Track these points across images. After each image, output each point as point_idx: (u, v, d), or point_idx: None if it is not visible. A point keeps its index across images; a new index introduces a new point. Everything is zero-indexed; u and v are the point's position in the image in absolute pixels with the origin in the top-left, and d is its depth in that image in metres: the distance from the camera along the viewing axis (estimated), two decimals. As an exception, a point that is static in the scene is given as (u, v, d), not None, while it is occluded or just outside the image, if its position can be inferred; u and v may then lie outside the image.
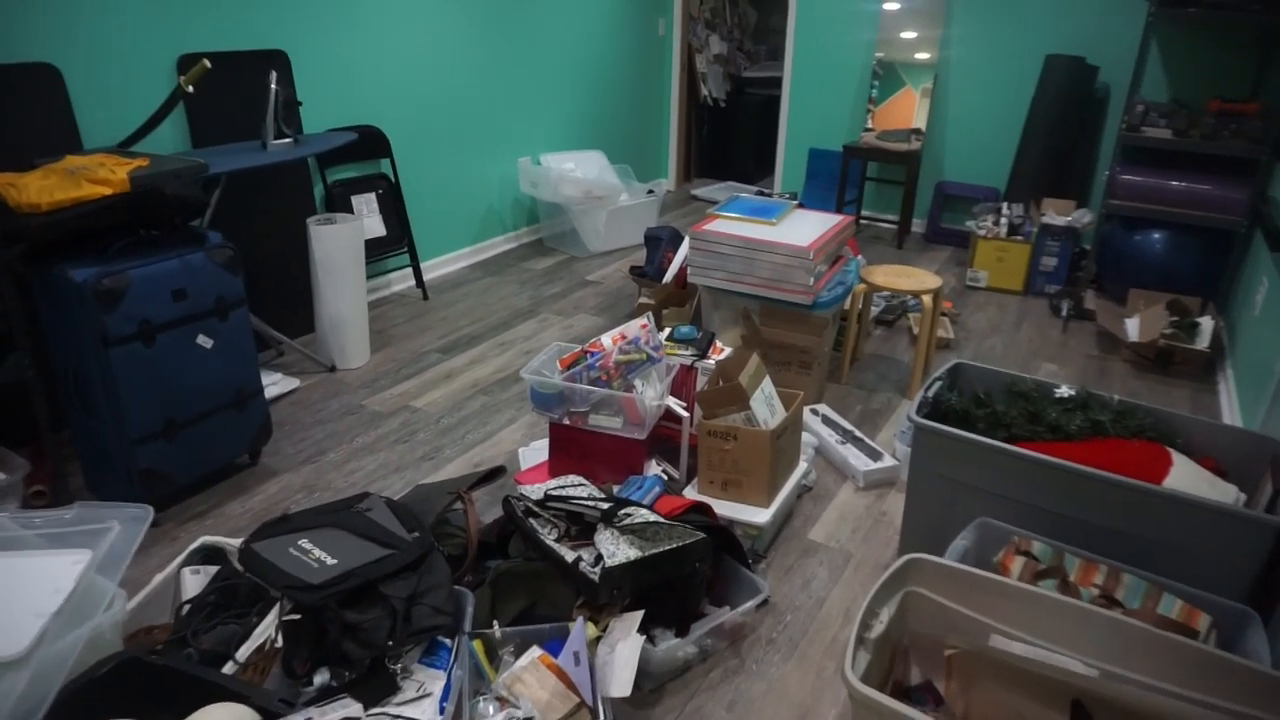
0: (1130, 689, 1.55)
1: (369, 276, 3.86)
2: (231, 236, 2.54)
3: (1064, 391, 2.29)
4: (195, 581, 1.94)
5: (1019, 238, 4.35)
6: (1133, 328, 3.64)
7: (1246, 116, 3.75)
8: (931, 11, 4.95)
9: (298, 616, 1.78)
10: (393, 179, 3.92)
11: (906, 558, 1.70)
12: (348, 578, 1.80)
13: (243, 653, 1.69)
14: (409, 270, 4.14)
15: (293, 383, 3.16)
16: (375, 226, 3.85)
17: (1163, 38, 4.43)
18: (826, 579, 2.26)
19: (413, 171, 4.10)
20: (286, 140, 3.07)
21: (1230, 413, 3.15)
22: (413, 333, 3.67)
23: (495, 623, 1.86)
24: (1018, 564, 1.84)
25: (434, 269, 4.35)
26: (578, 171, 4.78)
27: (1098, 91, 4.64)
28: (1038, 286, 4.39)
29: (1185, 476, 1.99)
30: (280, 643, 1.74)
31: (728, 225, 3.14)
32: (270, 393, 3.04)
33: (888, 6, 5.06)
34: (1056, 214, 4.33)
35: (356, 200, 3.79)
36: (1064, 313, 4.04)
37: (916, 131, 5.02)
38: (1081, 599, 1.79)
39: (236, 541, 2.01)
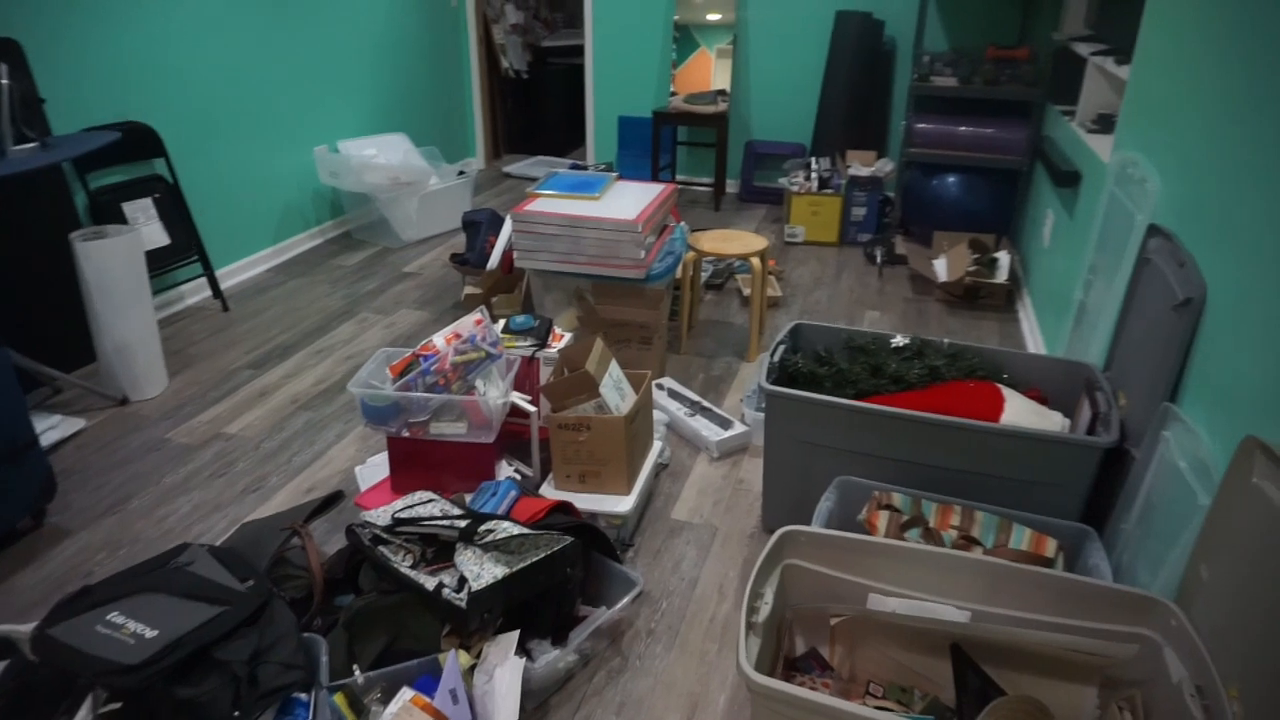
0: (1000, 626, 1.60)
1: (156, 292, 3.44)
2: (-26, 266, 2.15)
3: (899, 341, 2.35)
4: (-21, 683, 1.63)
5: (829, 191, 4.49)
6: (941, 268, 3.84)
7: (1019, 61, 4.02)
8: (724, -28, 4.98)
9: (118, 705, 1.54)
10: (171, 180, 3.50)
11: (780, 532, 1.67)
12: (174, 649, 1.57)
13: (52, 762, 1.43)
14: (203, 280, 3.73)
15: (77, 423, 2.76)
16: (156, 235, 3.43)
17: (938, -10, 4.67)
18: (695, 557, 2.23)
19: (194, 170, 3.68)
20: (30, 145, 2.64)
21: (1033, 340, 3.39)
22: (216, 349, 3.31)
23: (355, 668, 1.69)
24: (883, 519, 1.87)
25: (231, 275, 3.95)
26: (381, 157, 4.48)
27: (886, 45, 4.84)
28: (851, 236, 4.56)
29: (1018, 411, 2.09)
30: (99, 739, 1.50)
31: (550, 204, 3.02)
32: (50, 439, 2.64)
33: (681, -32, 5.04)
34: (861, 165, 4.50)
35: (129, 208, 3.35)
36: (879, 260, 4.21)
37: (722, 93, 5.06)
38: (944, 543, 1.84)
39: (28, 627, 1.71)
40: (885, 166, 4.48)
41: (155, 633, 1.61)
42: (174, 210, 3.53)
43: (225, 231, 3.89)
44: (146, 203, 3.44)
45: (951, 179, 4.13)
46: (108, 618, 1.63)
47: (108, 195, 3.29)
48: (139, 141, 3.39)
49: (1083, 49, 3.31)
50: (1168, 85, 2.21)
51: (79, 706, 1.52)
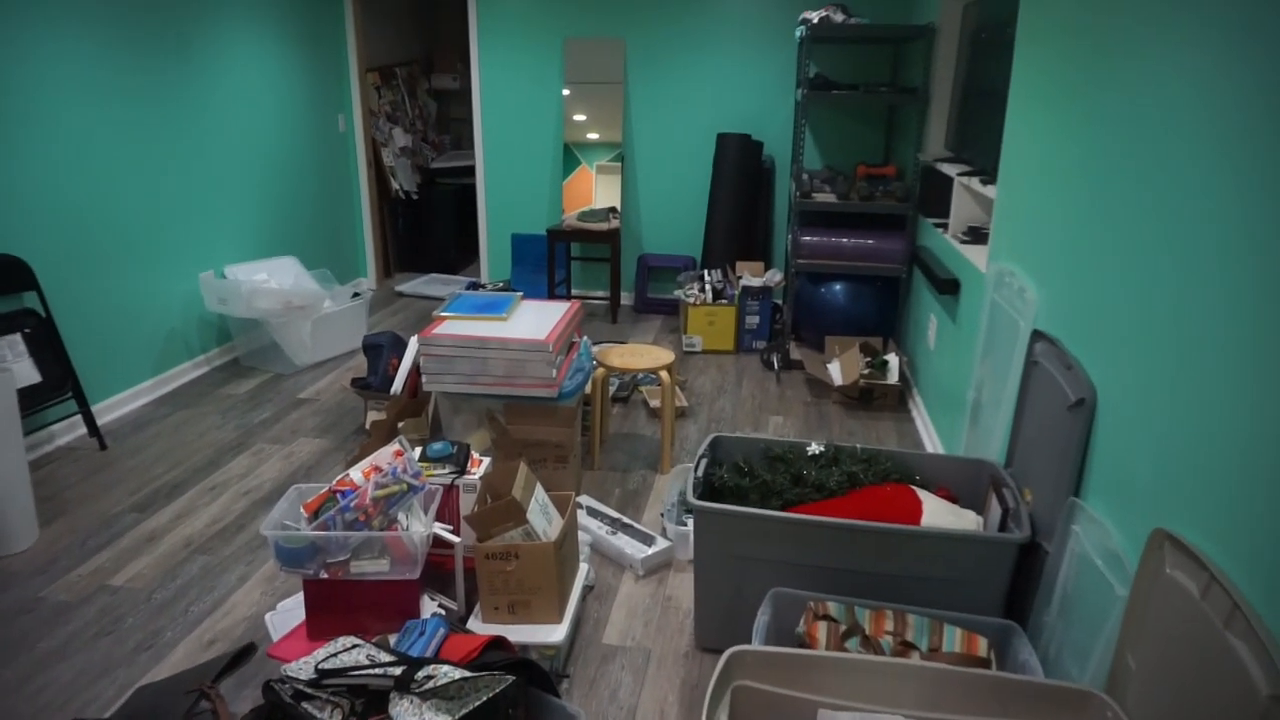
0: (951, 733, 1.62)
1: (25, 433, 3.18)
2: None
3: (815, 449, 2.42)
4: None
5: (724, 301, 4.65)
6: (836, 372, 4.00)
7: (888, 178, 4.35)
8: (610, 97, 5.22)
9: None
10: (43, 313, 3.30)
11: (729, 652, 1.65)
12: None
13: None
14: (77, 418, 3.48)
15: (-66, 587, 2.48)
16: (27, 373, 3.20)
17: (812, 115, 5.04)
18: (632, 683, 2.17)
19: (69, 301, 3.48)
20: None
21: (929, 437, 3.55)
22: (94, 492, 3.07)
23: (279, 845, 1.54)
24: (822, 630, 1.88)
25: (109, 411, 3.70)
26: (272, 281, 4.37)
27: (765, 163, 5.15)
28: (747, 344, 4.71)
29: (935, 512, 2.17)
30: None
31: (458, 326, 3.01)
32: (-99, 607, 2.36)
33: (567, 93, 5.26)
34: (751, 275, 4.70)
35: (-4, 345, 3.13)
36: (775, 366, 4.36)
37: (613, 210, 5.23)
38: (884, 650, 1.86)
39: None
40: (774, 276, 4.69)
41: (47, 829, 1.42)
42: (46, 345, 3.31)
43: (103, 363, 3.67)
44: (15, 339, 3.23)
45: (838, 286, 4.36)
46: (-12, 817, 1.44)
47: (-28, 332, 3.07)
48: (8, 274, 3.20)
49: (948, 169, 3.61)
50: (1033, 200, 2.44)
51: None
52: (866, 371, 3.91)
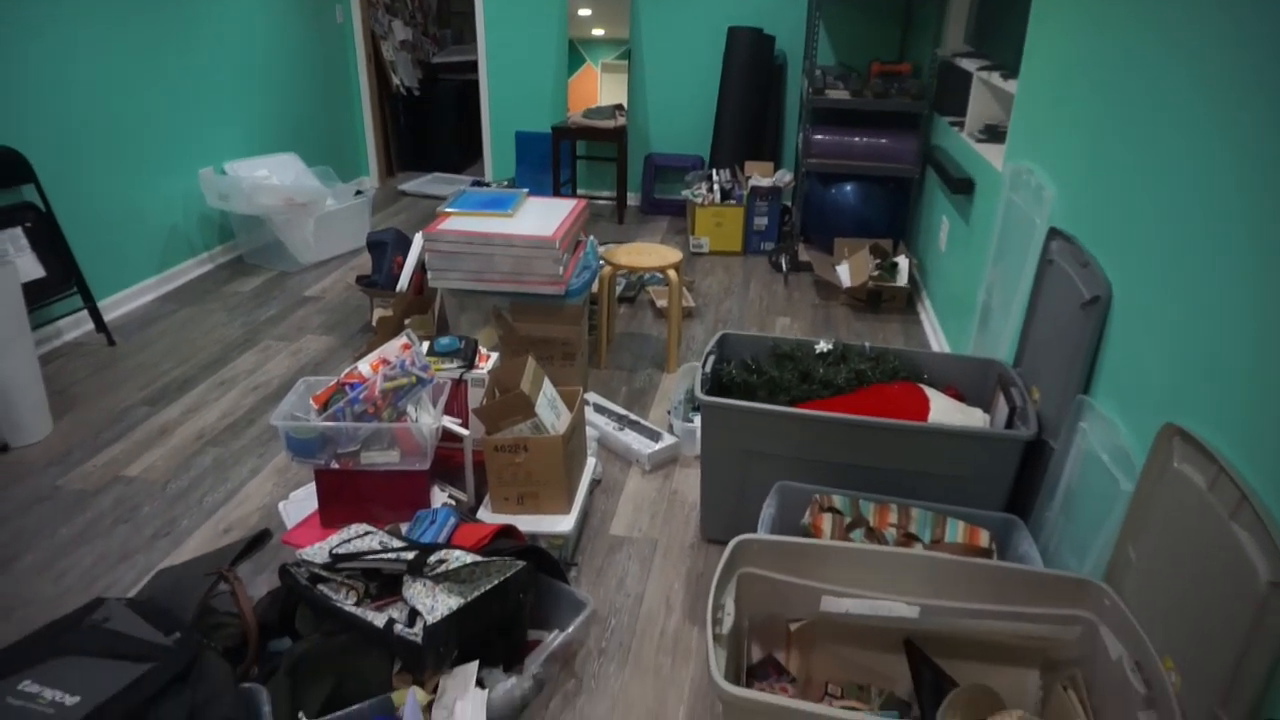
0: (951, 623, 1.66)
1: (32, 328, 3.18)
2: None
3: (823, 347, 2.41)
4: None
5: (731, 201, 4.58)
6: (844, 274, 3.97)
7: (903, 76, 4.21)
8: (617, -12, 5.02)
9: (40, 782, 1.41)
10: (43, 208, 3.25)
11: (735, 541, 1.68)
12: (100, 715, 1.45)
13: None
14: (83, 314, 3.47)
15: (-48, 476, 2.52)
16: (30, 267, 3.18)
17: (827, 10, 4.85)
18: (639, 572, 2.22)
19: (68, 196, 3.43)
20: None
21: (936, 340, 3.54)
22: (104, 387, 3.09)
23: (301, 715, 1.60)
24: (827, 522, 1.91)
25: (115, 307, 3.70)
26: (273, 178, 4.29)
27: (777, 59, 4.98)
28: (755, 246, 4.66)
29: (943, 410, 2.18)
30: (21, 822, 1.36)
31: (463, 222, 2.96)
32: (-78, 495, 2.41)
33: (574, -16, 5.06)
34: (760, 176, 4.61)
35: (-2, 239, 3.10)
36: (784, 268, 4.32)
37: (619, 107, 5.09)
38: (887, 541, 1.89)
39: (-78, 705, 1.54)
40: (784, 177, 4.60)
41: (76, 699, 1.48)
42: (48, 240, 3.28)
43: (106, 260, 3.64)
44: (16, 233, 3.19)
45: (849, 187, 4.28)
46: (20, 688, 1.50)
47: (-28, 225, 3.04)
48: (4, 167, 3.14)
49: (967, 64, 3.49)
50: (1055, 96, 2.36)
51: (-5, 788, 1.38)
52: (875, 274, 3.87)
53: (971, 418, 2.17)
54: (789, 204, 4.79)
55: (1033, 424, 2.04)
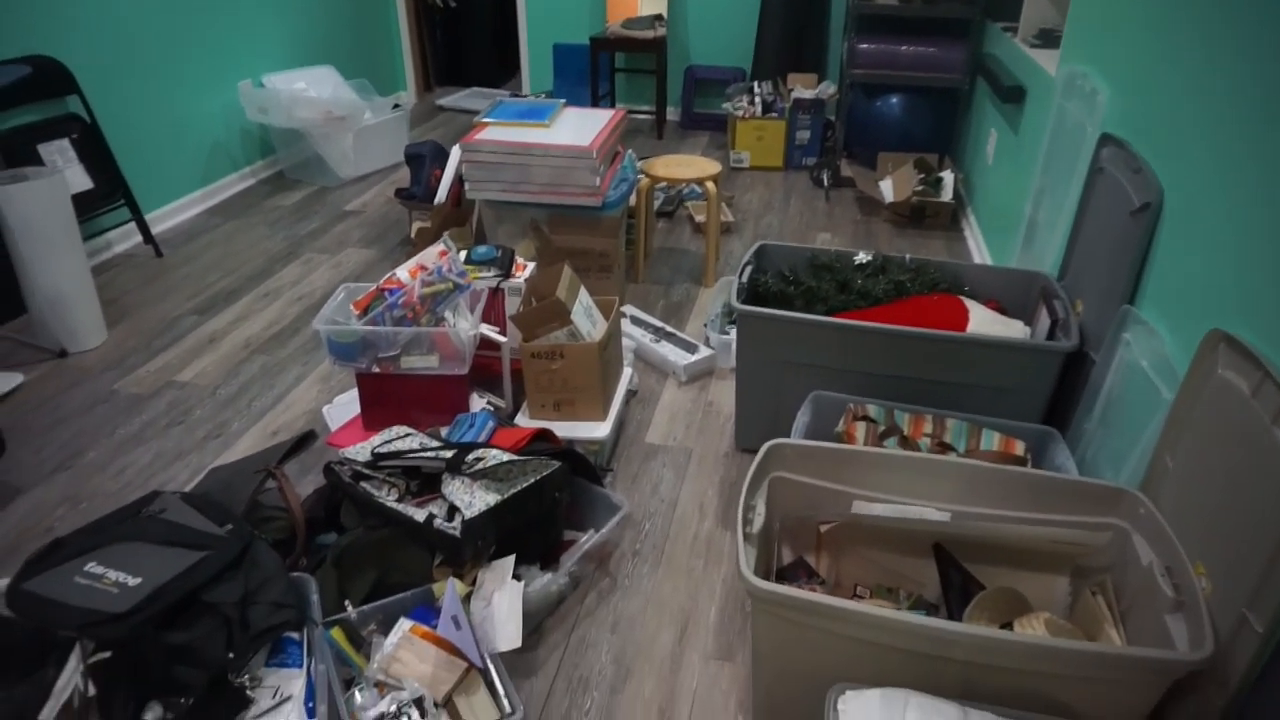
0: (979, 523, 1.67)
1: (83, 239, 3.26)
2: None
3: (862, 258, 2.38)
4: (-48, 645, 1.57)
5: (773, 115, 4.47)
6: (887, 189, 3.88)
7: (957, -21, 4.02)
8: (658, -111, 4.83)
9: (108, 655, 1.51)
10: (88, 119, 3.29)
11: (768, 445, 1.70)
12: (160, 595, 1.54)
13: (46, 715, 1.39)
14: (131, 226, 3.54)
15: (14, 378, 2.62)
16: (78, 179, 3.24)
17: (875, -94, 4.61)
18: (673, 479, 2.26)
19: (112, 109, 3.46)
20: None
21: (980, 256, 3.47)
22: (154, 297, 3.17)
23: (347, 603, 1.68)
24: (860, 430, 1.92)
25: (161, 220, 3.76)
26: (311, 91, 4.28)
27: (824, -36, 4.79)
28: (796, 160, 4.56)
29: (982, 321, 2.15)
30: (92, 691, 1.46)
31: (500, 132, 2.94)
32: (-13, 396, 2.51)
33: (613, -114, 4.87)
34: (803, 88, 4.48)
35: (45, 149, 3.15)
36: (825, 183, 4.24)
37: (659, 18, 4.95)
38: (920, 450, 1.89)
39: (-1, 584, 1.64)
40: (827, 89, 4.47)
41: (138, 580, 1.56)
42: (94, 152, 3.33)
43: (151, 174, 3.69)
44: (64, 144, 3.24)
45: (894, 99, 4.15)
46: (86, 568, 1.58)
47: (20, 136, 3.08)
48: (49, 77, 3.17)
49: (1024, -37, 3.32)
50: (1118, -6, 2.24)
51: (66, 659, 1.48)
52: (919, 188, 3.78)
53: (1011, 329, 2.14)
54: (832, 118, 4.66)
55: (1074, 336, 2.00)
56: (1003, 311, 2.33)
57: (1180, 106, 1.77)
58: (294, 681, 1.63)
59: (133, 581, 1.56)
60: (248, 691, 1.60)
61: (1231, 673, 1.29)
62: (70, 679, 1.44)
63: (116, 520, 1.74)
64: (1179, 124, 1.77)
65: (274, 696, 1.60)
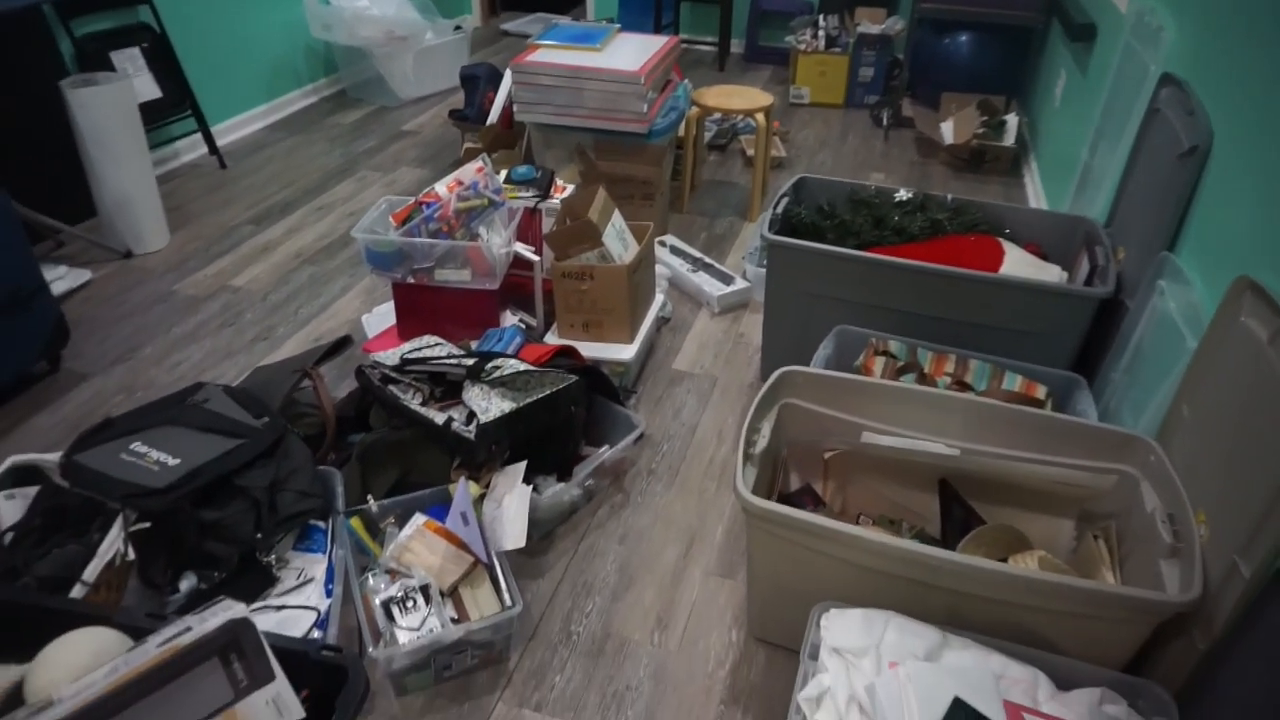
0: (987, 460, 1.68)
1: (151, 147, 3.38)
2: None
3: (903, 195, 2.34)
4: (12, 507, 1.71)
5: (837, 50, 4.35)
6: (948, 131, 3.77)
7: (1041, -91, 3.81)
8: None
9: (147, 525, 1.63)
10: (158, 29, 3.39)
11: (779, 371, 1.72)
12: (196, 475, 1.65)
13: (90, 572, 1.52)
14: (197, 137, 3.65)
15: (83, 275, 2.78)
16: (147, 87, 3.35)
17: None
18: (695, 405, 2.30)
19: (181, 19, 3.55)
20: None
21: (1037, 202, 3.37)
22: (216, 206, 3.29)
23: (369, 497, 1.77)
24: (879, 364, 1.92)
25: (227, 133, 3.87)
26: (374, 9, 4.31)
27: (902, -109, 4.59)
28: (858, 98, 4.45)
29: (1016, 264, 2.11)
30: (132, 555, 1.59)
31: (551, 55, 2.94)
32: (57, 289, 2.66)
33: None
34: (870, 23, 4.35)
35: (117, 57, 3.26)
36: (885, 122, 4.13)
37: (728, -56, 4.82)
38: (937, 388, 1.89)
39: (54, 457, 1.78)
40: (895, 25, 4.33)
41: (177, 461, 1.68)
42: (163, 61, 3.43)
43: (217, 87, 3.79)
44: (135, 52, 3.34)
45: (963, 38, 4.00)
46: (131, 447, 1.70)
47: (94, 43, 3.19)
48: (122, -15, 3.26)
49: (1110, -107, 3.14)
50: (1195, -75, 2.12)
51: (110, 525, 1.60)
52: (980, 131, 3.67)
53: (1046, 274, 2.10)
54: (899, 56, 4.52)
55: (1111, 282, 1.95)
56: (1043, 256, 2.28)
57: (1241, 49, 1.69)
58: (317, 565, 1.75)
59: (172, 461, 1.67)
60: (275, 571, 1.72)
61: (1217, 617, 1.29)
62: (113, 543, 1.57)
63: (163, 406, 1.86)
64: (1237, 67, 1.69)
65: (298, 577, 1.72)
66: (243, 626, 1.12)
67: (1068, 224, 2.29)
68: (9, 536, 1.62)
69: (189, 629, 1.11)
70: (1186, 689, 1.35)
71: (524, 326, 2.34)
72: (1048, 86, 3.64)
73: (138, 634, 1.27)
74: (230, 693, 1.11)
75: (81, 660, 1.17)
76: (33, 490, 1.74)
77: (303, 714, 1.16)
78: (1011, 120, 3.69)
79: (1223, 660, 1.29)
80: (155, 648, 1.09)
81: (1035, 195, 3.43)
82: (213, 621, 1.11)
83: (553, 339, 2.29)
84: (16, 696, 1.19)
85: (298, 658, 1.22)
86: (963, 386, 1.91)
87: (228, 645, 1.11)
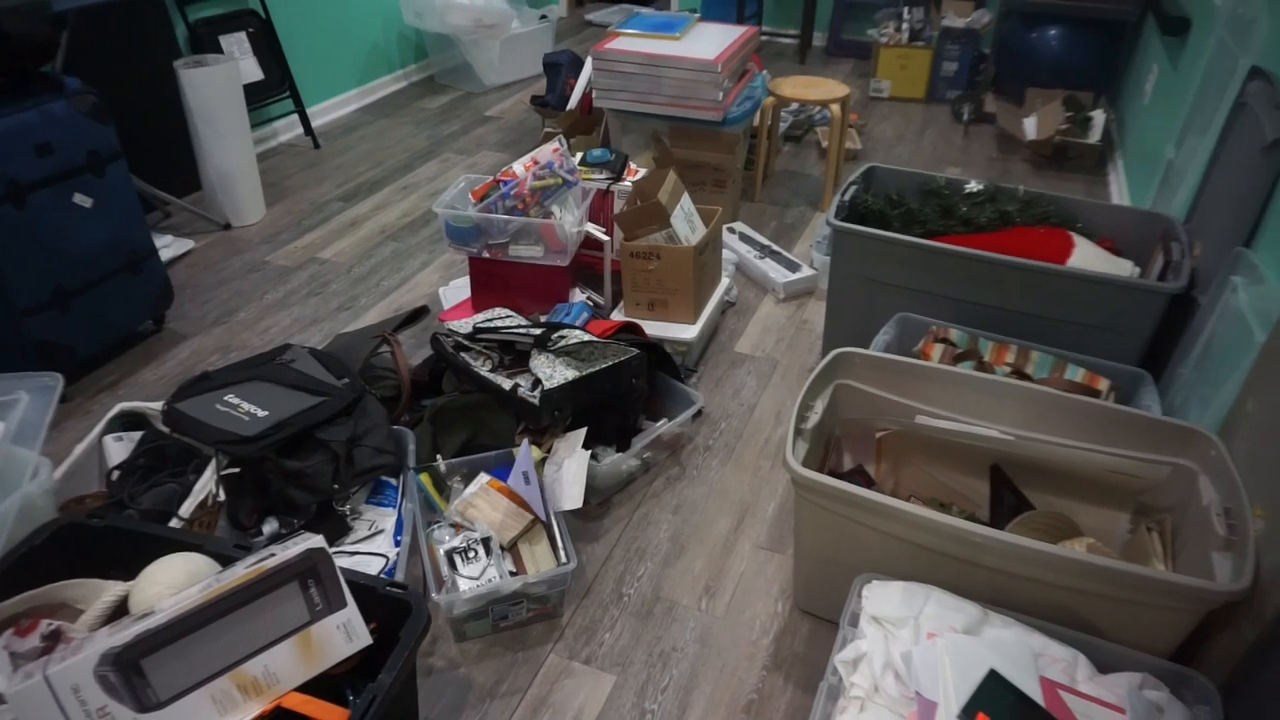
0: (1042, 447, 1.68)
1: (251, 126, 3.58)
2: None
3: (973, 186, 2.34)
4: (119, 448, 1.88)
5: (920, 43, 4.31)
6: (1030, 126, 3.71)
7: (1140, -100, 3.71)
8: None
9: (236, 470, 1.76)
10: (263, 15, 3.58)
11: (835, 352, 1.76)
12: (282, 427, 1.77)
13: (186, 509, 1.66)
14: (294, 118, 3.85)
15: (186, 244, 2.97)
16: (251, 70, 3.55)
17: None
18: (755, 387, 2.34)
19: (285, 5, 3.74)
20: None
21: (1120, 200, 3.29)
22: (308, 183, 3.47)
23: (439, 456, 1.88)
24: (937, 350, 1.94)
25: (321, 114, 4.07)
26: (463, -2, 4.45)
27: (995, -118, 4.50)
28: (940, 93, 4.40)
29: (1086, 257, 2.09)
30: (222, 497, 1.72)
31: (631, 42, 3.01)
32: (164, 256, 2.85)
33: None
34: (956, 15, 4.29)
35: (225, 40, 3.46)
36: (965, 117, 4.08)
37: (814, -64, 4.81)
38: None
39: (156, 406, 1.94)
40: (982, 18, 4.26)
41: (266, 413, 1.81)
42: (266, 46, 3.62)
43: (314, 70, 3.98)
44: (241, 36, 3.54)
45: (1052, 31, 3.92)
46: (225, 398, 1.84)
47: (205, 27, 3.40)
48: (232, -26, 3.46)
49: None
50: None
51: (204, 467, 1.74)
52: (1064, 126, 3.59)
53: (1117, 268, 2.07)
54: (985, 50, 4.44)
55: (1184, 278, 1.92)
56: (1116, 252, 2.25)
57: (1328, 36, 1.65)
58: (387, 518, 1.86)
59: (261, 413, 1.80)
60: (349, 521, 1.84)
61: (1266, 609, 1.29)
62: (206, 484, 1.71)
63: (254, 364, 2.00)
64: (1324, 55, 1.65)
65: (369, 528, 1.83)
66: (320, 555, 1.23)
67: (1144, 220, 2.25)
68: (116, 473, 1.78)
69: (273, 555, 1.22)
70: (1232, 681, 1.34)
71: (592, 304, 2.42)
72: (1138, 82, 3.55)
73: (226, 562, 1.39)
74: (307, 614, 1.21)
75: (178, 578, 1.30)
76: (137, 434, 1.91)
77: (370, 641, 1.26)
78: (1098, 116, 3.61)
79: (1270, 652, 1.28)
80: (243, 569, 1.21)
81: (1119, 193, 3.35)
82: (294, 549, 1.21)
83: (618, 315, 2.37)
84: (122, 607, 1.33)
85: (367, 592, 1.32)
86: (1022, 377, 1.91)
87: (306, 571, 1.21)
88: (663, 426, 1.99)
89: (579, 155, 2.54)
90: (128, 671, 1.10)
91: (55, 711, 1.07)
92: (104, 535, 1.47)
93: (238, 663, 1.17)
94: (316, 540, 1.24)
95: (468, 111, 4.22)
